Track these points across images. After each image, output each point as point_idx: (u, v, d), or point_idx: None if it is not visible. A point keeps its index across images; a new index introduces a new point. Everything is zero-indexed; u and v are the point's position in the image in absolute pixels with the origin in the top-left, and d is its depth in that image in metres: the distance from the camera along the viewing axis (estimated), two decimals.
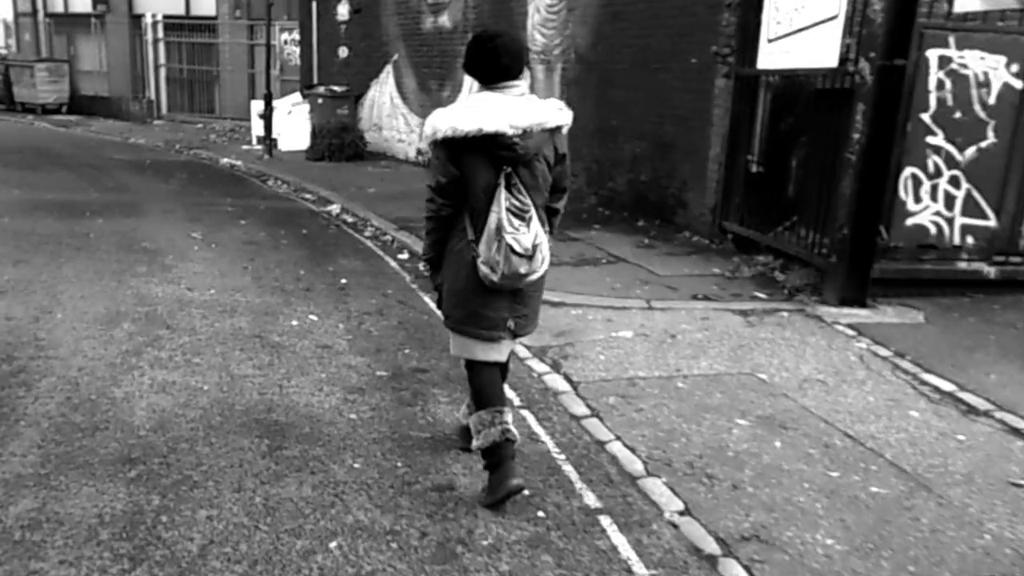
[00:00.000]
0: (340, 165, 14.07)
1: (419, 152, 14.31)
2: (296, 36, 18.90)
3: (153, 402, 4.02)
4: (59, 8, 25.27)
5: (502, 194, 3.11)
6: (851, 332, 5.55)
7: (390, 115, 15.17)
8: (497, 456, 3.30)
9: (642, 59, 9.03)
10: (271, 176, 12.89)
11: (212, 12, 23.24)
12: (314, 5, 17.01)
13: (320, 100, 15.56)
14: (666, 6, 8.57)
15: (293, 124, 15.79)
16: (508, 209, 3.10)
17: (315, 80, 17.20)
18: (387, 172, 13.37)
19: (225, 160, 14.71)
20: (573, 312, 5.89)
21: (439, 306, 3.47)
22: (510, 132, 3.05)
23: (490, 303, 3.24)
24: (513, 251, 3.10)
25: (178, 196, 10.52)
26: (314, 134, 14.59)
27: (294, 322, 5.44)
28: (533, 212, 3.16)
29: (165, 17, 22.00)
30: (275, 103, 15.41)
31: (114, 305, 5.56)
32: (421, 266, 3.84)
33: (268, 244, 7.85)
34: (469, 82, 11.79)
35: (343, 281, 6.60)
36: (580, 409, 4.26)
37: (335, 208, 10.20)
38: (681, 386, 4.56)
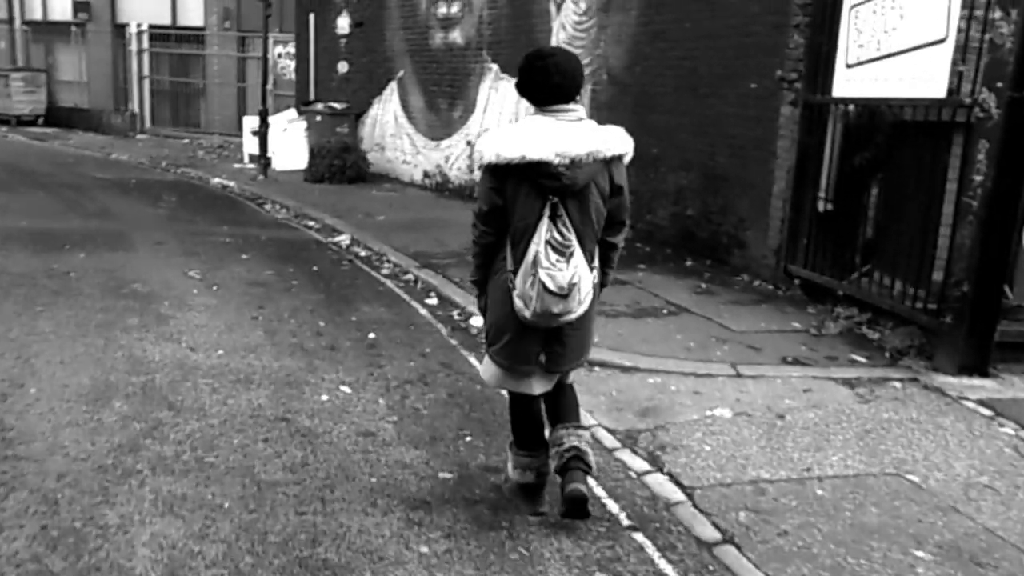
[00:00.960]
0: (342, 188, 13.11)
1: (426, 175, 13.40)
2: (291, 50, 17.97)
3: (159, 532, 3.04)
4: (37, 15, 24.13)
5: (544, 226, 2.99)
6: (986, 411, 4.68)
7: (394, 135, 14.25)
8: (527, 489, 3.43)
9: (689, 82, 8.18)
10: (268, 199, 11.91)
11: (200, 22, 22.26)
12: (312, 17, 16.09)
13: (319, 118, 14.63)
14: (719, 25, 7.73)
15: (289, 142, 14.83)
16: (548, 242, 2.98)
17: (312, 96, 16.26)
18: (393, 196, 12.43)
19: (216, 180, 13.71)
20: (651, 381, 4.98)
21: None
22: (556, 161, 2.91)
23: (524, 335, 3.14)
24: (546, 288, 2.97)
25: (169, 223, 9.52)
26: (313, 154, 13.64)
27: (323, 396, 4.48)
28: (575, 248, 3.02)
29: (151, 27, 20.96)
30: (270, 119, 14.46)
31: (102, 374, 4.57)
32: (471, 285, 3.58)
33: (277, 285, 6.89)
34: (519, 103, 11.03)
35: (371, 336, 5.65)
36: (707, 531, 3.33)
37: (344, 239, 9.24)
38: (821, 493, 3.65)
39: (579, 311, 3.06)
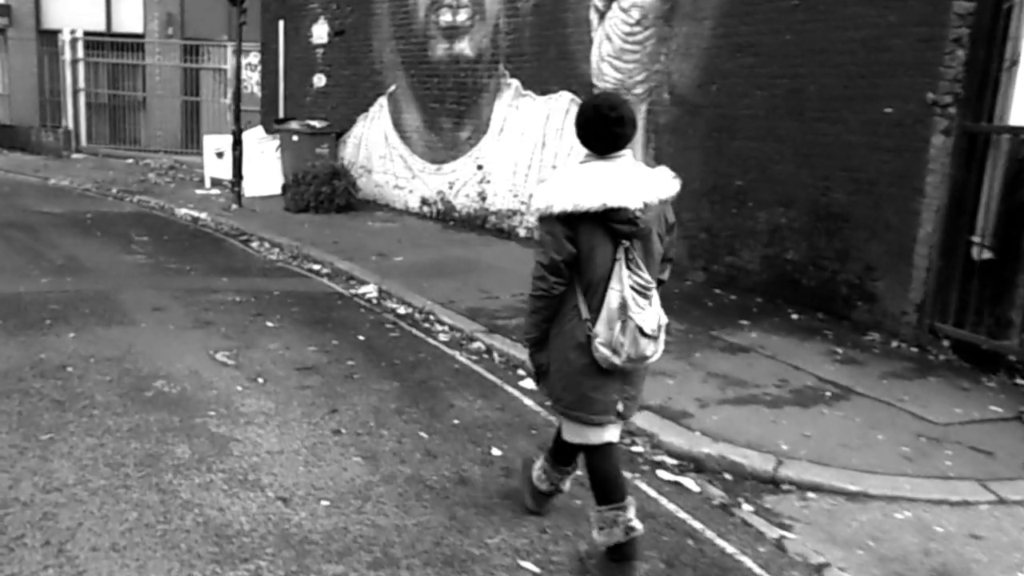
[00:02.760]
0: (331, 218, 11.60)
1: (424, 201, 11.99)
2: (253, 60, 16.28)
3: None
4: None
5: (623, 271, 3.01)
6: None
7: (384, 156, 12.78)
8: (620, 553, 3.16)
9: (789, 105, 7.05)
10: (253, 236, 10.34)
11: (138, 29, 20.27)
12: (281, 25, 14.48)
13: (295, 137, 13.08)
14: (837, 39, 6.61)
15: (260, 165, 13.23)
16: (632, 287, 3.00)
17: (281, 112, 14.66)
18: (394, 228, 11.00)
19: (183, 211, 12.01)
20: (900, 516, 3.80)
21: (538, 381, 3.37)
22: (633, 206, 2.96)
23: (601, 386, 3.10)
24: (643, 332, 3.00)
25: (155, 276, 7.91)
26: (296, 180, 12.06)
27: None
28: (654, 288, 3.09)
29: (86, 34, 18.89)
30: (224, 139, 12.79)
31: (182, 568, 3.09)
32: (524, 345, 3.47)
33: (333, 370, 5.45)
34: (547, 125, 9.83)
35: (495, 452, 4.31)
36: None
37: (370, 291, 7.82)
38: None
39: (661, 351, 3.12)
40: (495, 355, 6.06)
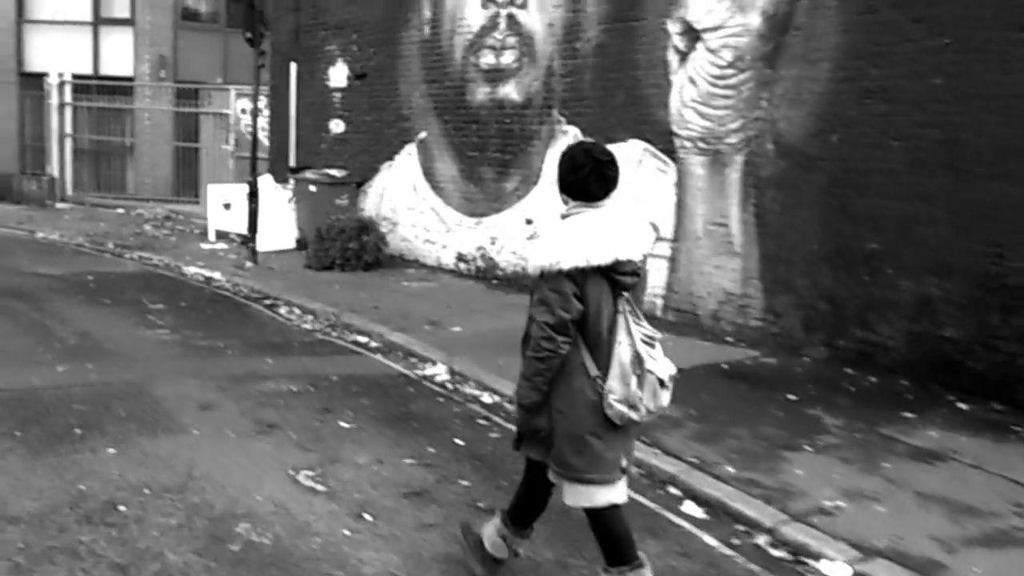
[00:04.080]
0: (360, 277, 10.50)
1: (461, 258, 10.91)
2: (260, 105, 15.15)
3: None
4: None
5: (629, 323, 2.96)
6: None
7: (412, 208, 11.70)
8: None
9: (941, 158, 6.11)
10: (279, 299, 9.18)
11: (128, 71, 19.16)
12: (294, 67, 13.44)
13: (312, 187, 12.03)
14: (1010, 81, 5.70)
15: (270, 216, 12.08)
16: (642, 340, 2.96)
17: (292, 160, 13.56)
18: (434, 289, 9.92)
19: (192, 270, 10.82)
20: None
21: (519, 447, 3.20)
22: (637, 257, 2.94)
23: (610, 444, 3.01)
24: (662, 383, 2.96)
25: (187, 358, 6.71)
26: (320, 235, 10.94)
27: None
28: (659, 338, 3.07)
29: (75, 77, 17.71)
30: (238, 189, 11.61)
31: None
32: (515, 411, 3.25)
33: (448, 495, 4.31)
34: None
35: None
36: None
37: (441, 372, 6.70)
38: None
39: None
40: (645, 472, 4.95)
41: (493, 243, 10.52)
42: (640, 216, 3.09)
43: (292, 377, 6.29)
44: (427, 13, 11.28)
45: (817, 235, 6.94)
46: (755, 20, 7.39)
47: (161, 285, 9.91)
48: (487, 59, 10.40)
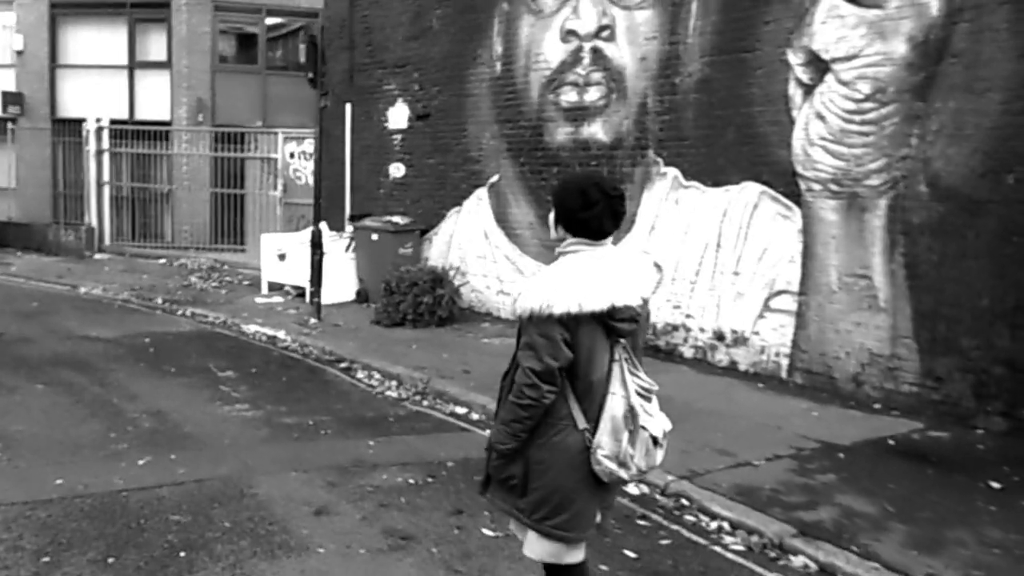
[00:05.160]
0: (435, 333, 9.73)
1: None
2: (308, 148, 14.54)
3: None
4: None
5: (625, 374, 2.76)
6: None
7: (484, 257, 10.94)
8: None
9: None
10: (356, 363, 8.39)
11: (164, 115, 18.65)
12: (348, 109, 12.79)
13: (375, 236, 11.34)
14: None
15: (329, 266, 11.33)
16: (637, 392, 2.77)
17: (347, 207, 12.87)
18: None
19: (252, 328, 10.05)
20: None
21: (484, 491, 2.98)
22: (635, 303, 2.76)
23: (590, 500, 2.83)
24: (656, 441, 2.79)
25: (279, 442, 5.88)
26: (389, 288, 10.17)
27: None
28: (655, 391, 2.88)
29: (113, 122, 17.17)
30: (293, 237, 10.84)
31: None
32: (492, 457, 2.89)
33: None
34: (725, 222, 8.03)
35: None
36: None
37: None
38: None
39: None
40: None
41: None
42: (641, 257, 2.93)
43: (403, 465, 5.45)
44: (498, 49, 10.61)
45: (989, 289, 6.09)
46: (899, 47, 6.61)
47: (224, 347, 9.13)
48: (569, 96, 9.68)
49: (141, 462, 5.26)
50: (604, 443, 2.73)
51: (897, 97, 6.65)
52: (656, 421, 2.82)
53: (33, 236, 17.81)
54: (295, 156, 14.73)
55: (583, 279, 2.70)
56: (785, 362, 7.51)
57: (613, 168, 9.19)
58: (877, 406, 6.73)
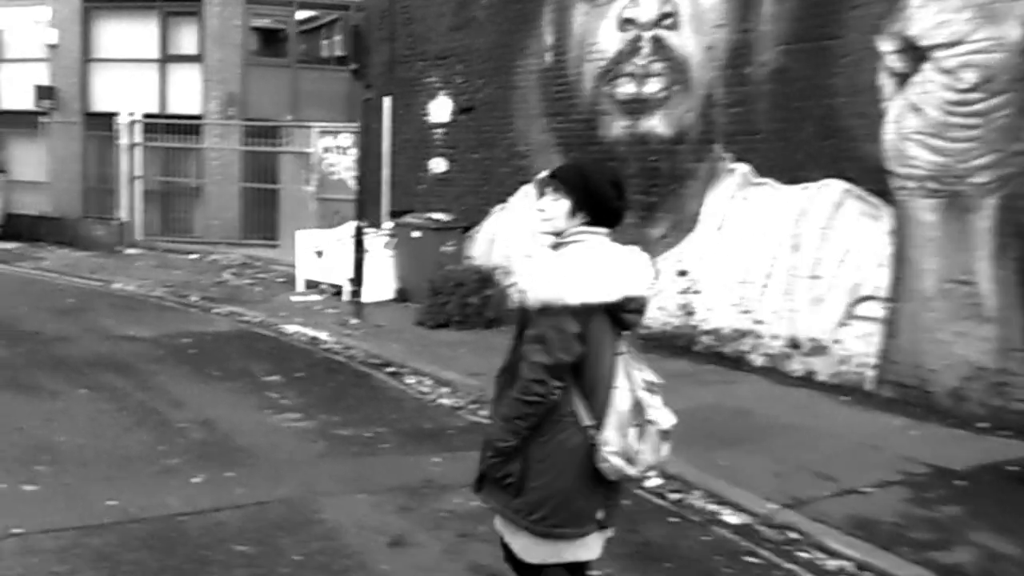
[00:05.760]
0: (482, 336, 9.28)
1: None
2: (342, 143, 14.14)
3: None
4: None
5: (631, 367, 2.69)
6: None
7: (530, 256, 10.44)
8: None
9: None
10: (404, 367, 7.96)
11: (195, 109, 18.31)
12: (387, 102, 12.35)
13: (416, 233, 10.91)
14: None
15: (368, 264, 10.88)
16: (643, 387, 2.68)
17: (385, 203, 12.44)
18: None
19: (292, 328, 9.64)
20: None
21: (479, 489, 2.80)
22: (644, 293, 2.71)
23: (591, 498, 2.70)
24: (665, 434, 2.67)
25: (337, 457, 5.42)
26: (435, 289, 9.73)
27: None
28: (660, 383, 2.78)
29: (145, 116, 16.84)
30: (332, 233, 10.43)
31: None
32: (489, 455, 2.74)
33: None
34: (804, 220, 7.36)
35: None
36: None
37: (695, 498, 5.26)
38: None
39: None
40: None
41: None
42: (634, 248, 2.78)
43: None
44: (549, 39, 10.12)
45: None
46: (1013, 32, 6.05)
47: (265, 348, 8.72)
48: (626, 88, 9.16)
49: (195, 480, 4.82)
50: (612, 439, 2.63)
51: (1009, 87, 6.09)
52: (663, 414, 2.70)
53: (65, 230, 17.55)
54: (329, 151, 14.31)
55: (597, 268, 2.61)
56: (871, 373, 6.98)
57: (675, 164, 8.69)
58: (982, 425, 6.17)
